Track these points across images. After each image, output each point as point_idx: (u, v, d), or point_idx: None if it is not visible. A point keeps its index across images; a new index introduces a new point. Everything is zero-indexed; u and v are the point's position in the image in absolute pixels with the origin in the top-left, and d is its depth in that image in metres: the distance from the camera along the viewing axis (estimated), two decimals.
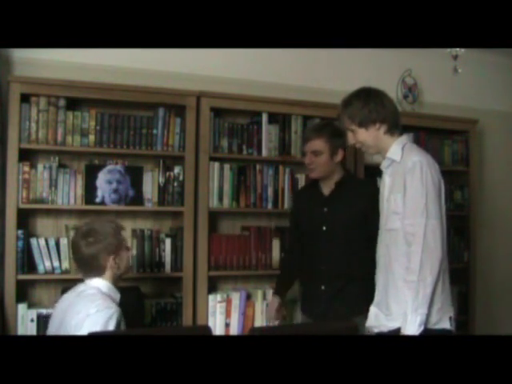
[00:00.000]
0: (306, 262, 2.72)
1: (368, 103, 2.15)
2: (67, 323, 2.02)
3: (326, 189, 2.67)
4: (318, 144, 2.60)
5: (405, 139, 2.21)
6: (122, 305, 2.13)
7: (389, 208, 2.14)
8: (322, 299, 2.62)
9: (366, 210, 2.52)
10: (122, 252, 2.17)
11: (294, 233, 2.86)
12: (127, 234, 2.98)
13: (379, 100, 2.17)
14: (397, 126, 2.20)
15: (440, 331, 2.03)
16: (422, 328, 1.96)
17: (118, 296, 2.16)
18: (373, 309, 2.23)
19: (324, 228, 2.60)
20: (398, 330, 2.02)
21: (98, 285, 2.11)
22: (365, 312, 2.28)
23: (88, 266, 2.13)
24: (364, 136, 2.19)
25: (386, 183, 2.21)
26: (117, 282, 2.18)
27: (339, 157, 2.62)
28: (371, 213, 2.38)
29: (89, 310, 1.98)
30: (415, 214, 2.02)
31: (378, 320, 2.17)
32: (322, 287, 2.62)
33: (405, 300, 2.01)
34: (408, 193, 2.06)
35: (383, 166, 2.24)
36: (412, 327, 1.95)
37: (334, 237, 2.59)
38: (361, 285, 2.53)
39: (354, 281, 2.56)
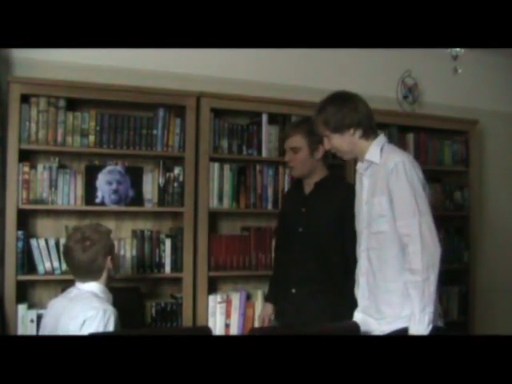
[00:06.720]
0: (282, 263, 2.68)
1: (342, 108, 2.12)
2: (62, 329, 2.02)
3: (308, 188, 2.60)
4: (296, 140, 2.52)
5: (382, 140, 2.17)
6: (121, 305, 2.14)
7: (372, 211, 2.10)
8: (292, 303, 2.53)
9: (343, 212, 2.41)
10: (115, 252, 2.24)
11: (279, 232, 2.81)
12: (127, 234, 3.01)
13: (353, 104, 2.13)
14: (372, 130, 2.16)
15: (432, 329, 1.99)
16: (430, 327, 1.94)
17: (110, 297, 2.18)
18: (358, 315, 2.18)
19: (300, 229, 2.52)
20: (400, 331, 2.01)
21: (92, 288, 2.13)
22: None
23: (86, 270, 2.14)
24: (339, 141, 2.15)
25: (365, 186, 2.16)
26: (110, 282, 2.21)
27: (320, 153, 2.52)
28: (348, 215, 2.29)
29: (86, 313, 1.99)
30: (407, 214, 2.00)
31: (367, 325, 2.12)
32: (293, 290, 2.54)
33: (396, 302, 2.03)
34: (396, 194, 2.03)
35: (361, 168, 2.19)
36: (421, 327, 1.93)
37: (308, 239, 2.50)
38: (328, 297, 2.44)
39: (323, 290, 2.46)
